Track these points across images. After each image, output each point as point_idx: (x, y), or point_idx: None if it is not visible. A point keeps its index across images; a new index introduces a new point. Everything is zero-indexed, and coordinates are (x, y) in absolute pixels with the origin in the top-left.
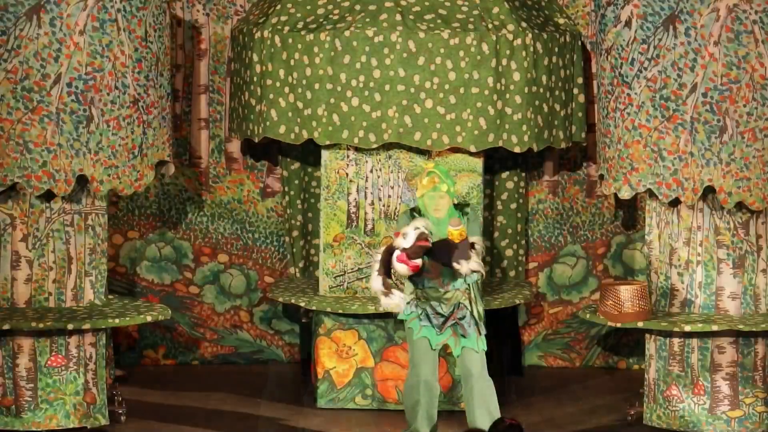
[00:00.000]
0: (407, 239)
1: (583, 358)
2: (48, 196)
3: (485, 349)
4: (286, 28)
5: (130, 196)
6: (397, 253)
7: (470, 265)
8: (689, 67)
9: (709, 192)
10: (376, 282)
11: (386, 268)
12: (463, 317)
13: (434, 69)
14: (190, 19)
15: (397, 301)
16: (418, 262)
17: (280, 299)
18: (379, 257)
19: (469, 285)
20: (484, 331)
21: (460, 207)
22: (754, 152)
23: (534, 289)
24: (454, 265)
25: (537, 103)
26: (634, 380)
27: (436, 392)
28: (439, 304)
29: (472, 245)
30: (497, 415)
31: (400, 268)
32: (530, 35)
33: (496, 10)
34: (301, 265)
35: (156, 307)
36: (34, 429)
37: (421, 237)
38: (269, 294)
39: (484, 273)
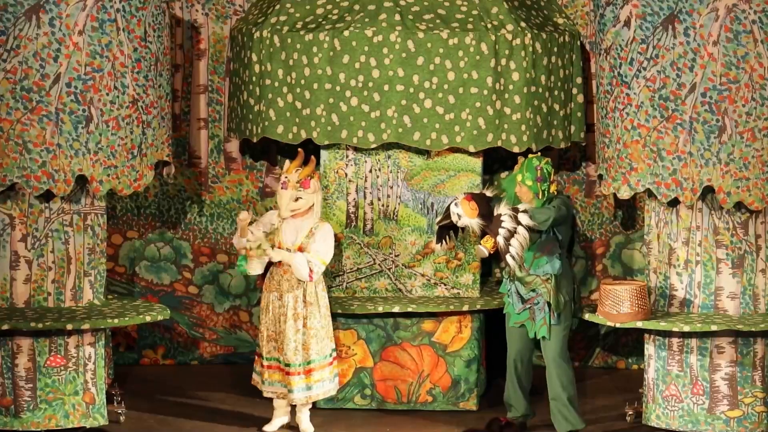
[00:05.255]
0: (458, 208)
1: (582, 358)
2: (47, 196)
3: (545, 336)
4: (285, 28)
5: (129, 196)
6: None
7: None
8: (688, 66)
9: (708, 192)
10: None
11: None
12: (537, 303)
13: (433, 69)
14: (189, 19)
15: (437, 250)
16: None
17: None
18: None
19: (551, 275)
20: (553, 321)
21: (551, 199)
22: (753, 152)
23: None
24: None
25: (536, 102)
26: (633, 380)
27: (523, 370)
28: (521, 285)
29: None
30: (564, 403)
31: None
32: (529, 35)
33: (495, 10)
34: None
35: (155, 307)
36: (33, 429)
37: (481, 199)
38: None
39: (511, 258)
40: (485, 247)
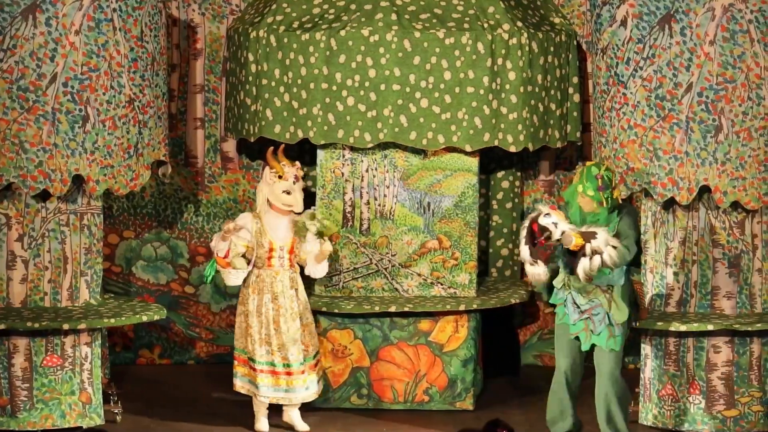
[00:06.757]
0: (551, 217)
1: None
2: (44, 195)
3: (615, 349)
4: (282, 28)
5: (125, 196)
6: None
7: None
8: (685, 66)
9: (704, 191)
10: (524, 251)
11: (531, 238)
12: (597, 314)
13: (429, 68)
14: (185, 19)
15: (540, 272)
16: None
17: None
18: (526, 224)
19: (610, 286)
20: (617, 333)
21: (619, 207)
22: (750, 152)
23: (530, 288)
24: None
25: (532, 102)
26: (630, 379)
27: (574, 382)
28: (579, 294)
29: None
30: (617, 417)
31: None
32: (526, 34)
33: (491, 9)
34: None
35: (151, 306)
36: (29, 429)
37: (548, 237)
38: None
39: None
40: (574, 238)
